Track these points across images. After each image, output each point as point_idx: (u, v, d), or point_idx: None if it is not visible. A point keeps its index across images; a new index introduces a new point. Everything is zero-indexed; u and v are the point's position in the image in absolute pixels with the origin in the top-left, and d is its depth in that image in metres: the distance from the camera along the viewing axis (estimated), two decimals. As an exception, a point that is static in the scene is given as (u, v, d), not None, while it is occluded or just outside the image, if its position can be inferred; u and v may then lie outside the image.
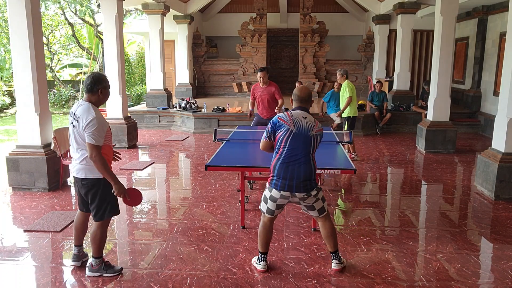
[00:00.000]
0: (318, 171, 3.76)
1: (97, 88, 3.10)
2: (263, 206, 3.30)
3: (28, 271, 3.42)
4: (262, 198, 3.31)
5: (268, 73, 6.19)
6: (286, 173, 3.12)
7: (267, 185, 3.27)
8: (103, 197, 3.19)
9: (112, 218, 4.51)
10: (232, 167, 4.24)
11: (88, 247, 3.68)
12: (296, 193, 3.14)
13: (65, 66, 20.11)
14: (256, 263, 3.40)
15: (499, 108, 5.36)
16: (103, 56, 10.16)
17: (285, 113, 3.17)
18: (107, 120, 8.59)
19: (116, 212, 3.31)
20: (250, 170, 4.64)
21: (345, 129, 6.88)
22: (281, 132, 3.12)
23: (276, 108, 6.05)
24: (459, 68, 11.18)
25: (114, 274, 3.28)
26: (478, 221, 4.51)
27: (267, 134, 3.21)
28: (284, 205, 3.27)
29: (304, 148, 3.11)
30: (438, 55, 7.48)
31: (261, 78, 6.07)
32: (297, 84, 8.94)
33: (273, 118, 3.19)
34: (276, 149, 3.20)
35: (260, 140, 3.31)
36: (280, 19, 13.83)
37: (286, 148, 3.12)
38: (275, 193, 3.18)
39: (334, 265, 3.36)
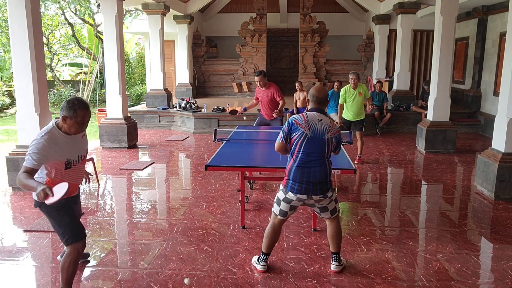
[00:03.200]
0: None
1: (61, 114, 2.68)
2: (275, 209, 3.27)
3: (28, 271, 3.42)
4: (275, 200, 3.28)
5: (265, 76, 6.27)
6: (302, 177, 3.08)
7: (281, 187, 3.23)
8: (52, 221, 2.83)
9: (112, 219, 4.54)
10: (232, 167, 4.24)
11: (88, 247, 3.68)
12: (313, 196, 3.11)
13: (65, 65, 20.12)
14: (256, 263, 3.40)
15: (499, 108, 5.36)
16: (103, 56, 10.16)
17: (300, 115, 3.13)
18: (107, 120, 8.55)
19: (75, 238, 2.82)
20: (250, 170, 4.64)
21: (363, 130, 6.99)
22: (296, 135, 3.08)
23: (275, 111, 6.12)
24: (459, 68, 11.18)
25: None
26: (478, 221, 4.51)
27: (283, 136, 3.14)
28: (297, 206, 3.25)
29: (319, 152, 3.07)
30: (438, 55, 7.48)
31: (258, 82, 6.18)
32: (297, 85, 8.92)
33: (289, 120, 3.16)
34: (291, 152, 3.15)
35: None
36: (280, 19, 13.83)
37: (301, 152, 3.08)
38: (290, 195, 3.15)
39: (333, 266, 3.35)
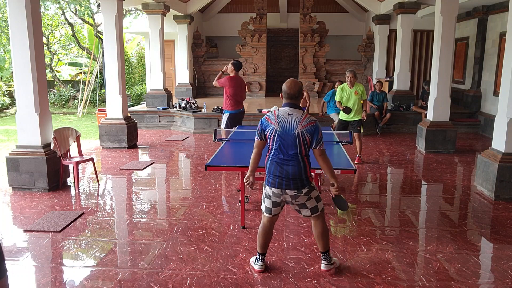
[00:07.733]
0: (318, 171, 3.77)
1: None
2: (262, 205, 3.34)
3: (28, 271, 3.42)
4: (262, 197, 3.35)
5: (236, 68, 6.48)
6: (276, 171, 3.15)
7: (264, 183, 3.30)
8: None
9: (112, 219, 4.54)
10: (232, 167, 4.25)
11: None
12: (287, 190, 3.15)
13: (64, 64, 20.13)
14: (254, 263, 3.40)
15: (499, 108, 5.36)
16: (103, 56, 10.16)
17: (272, 111, 3.19)
18: (107, 120, 8.57)
19: None
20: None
21: (362, 131, 6.91)
22: (268, 132, 3.15)
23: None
24: (459, 68, 11.18)
25: None
26: (478, 221, 4.51)
27: (257, 134, 3.23)
28: (280, 203, 3.26)
29: (290, 147, 3.10)
30: (438, 55, 7.48)
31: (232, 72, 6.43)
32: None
33: (261, 118, 3.21)
34: (267, 147, 3.24)
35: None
36: (280, 19, 13.83)
37: (273, 147, 3.16)
38: (268, 190, 3.23)
39: (323, 265, 3.35)
